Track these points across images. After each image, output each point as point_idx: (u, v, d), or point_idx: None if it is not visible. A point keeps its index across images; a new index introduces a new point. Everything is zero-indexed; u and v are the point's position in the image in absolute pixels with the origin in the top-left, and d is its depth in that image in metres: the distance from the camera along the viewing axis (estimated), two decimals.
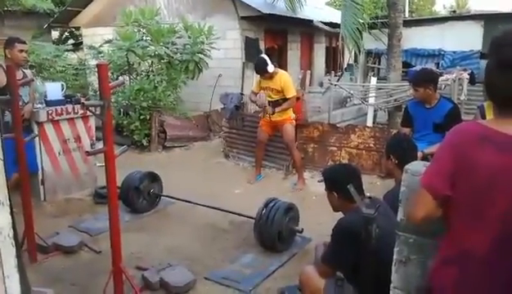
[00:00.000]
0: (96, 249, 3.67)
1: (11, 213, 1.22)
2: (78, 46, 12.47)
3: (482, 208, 1.28)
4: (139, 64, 7.50)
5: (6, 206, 1.20)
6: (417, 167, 1.57)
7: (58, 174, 4.83)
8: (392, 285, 1.65)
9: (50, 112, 4.61)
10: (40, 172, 4.64)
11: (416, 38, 9.07)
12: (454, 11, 15.26)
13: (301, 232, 3.71)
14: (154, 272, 3.17)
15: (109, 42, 8.31)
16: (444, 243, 1.39)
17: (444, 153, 1.36)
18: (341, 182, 2.28)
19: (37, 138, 4.52)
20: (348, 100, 9.22)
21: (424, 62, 9.07)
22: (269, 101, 5.38)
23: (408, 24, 8.95)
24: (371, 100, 7.50)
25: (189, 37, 7.72)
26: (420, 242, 1.54)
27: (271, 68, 5.20)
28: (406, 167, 1.59)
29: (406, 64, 8.68)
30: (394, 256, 1.62)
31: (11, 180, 4.08)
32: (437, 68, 8.30)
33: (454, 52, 8.86)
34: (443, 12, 24.49)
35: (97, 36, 10.48)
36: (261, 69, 5.24)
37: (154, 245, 3.82)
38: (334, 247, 2.27)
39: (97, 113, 2.58)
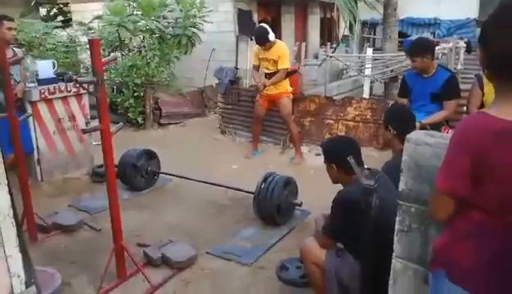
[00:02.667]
0: (96, 227, 3.68)
1: (10, 193, 1.20)
2: (67, 22, 12.19)
3: (508, 202, 1.24)
4: (130, 39, 7.34)
5: (4, 185, 1.19)
6: (418, 135, 1.55)
7: (54, 153, 4.79)
8: (394, 254, 1.66)
9: (42, 91, 4.54)
10: (36, 152, 4.61)
11: (412, 7, 8.94)
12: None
13: (300, 205, 3.72)
14: (155, 248, 3.20)
15: (99, 17, 8.11)
16: (462, 217, 1.34)
17: (456, 151, 1.28)
18: (340, 154, 2.27)
19: (31, 118, 4.46)
20: (344, 71, 9.14)
21: (420, 31, 8.99)
22: (266, 73, 5.31)
23: None
24: (367, 72, 7.44)
25: (180, 11, 7.54)
26: (422, 211, 1.54)
27: (272, 36, 5.10)
28: (408, 136, 1.57)
29: (402, 34, 8.59)
30: (396, 226, 1.63)
31: (7, 161, 4.06)
32: (434, 37, 8.22)
33: (450, 21, 8.75)
34: None
35: (87, 12, 10.21)
36: (262, 38, 5.12)
37: (154, 222, 3.83)
38: (335, 219, 2.28)
39: (91, 90, 2.52)
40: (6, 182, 1.18)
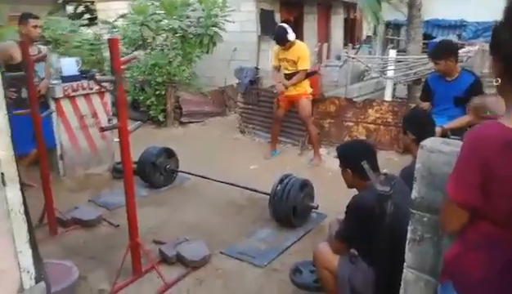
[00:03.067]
0: (115, 223, 3.74)
1: (22, 189, 1.23)
2: (93, 20, 12.44)
3: None
4: (153, 38, 7.44)
5: (16, 182, 1.21)
6: (433, 143, 1.51)
7: (76, 149, 4.89)
8: (405, 264, 1.62)
9: (66, 88, 4.64)
10: (58, 148, 4.71)
11: (437, 8, 8.74)
12: None
13: (316, 208, 3.70)
14: (170, 246, 3.22)
15: (123, 16, 8.24)
16: (473, 228, 1.30)
17: (468, 162, 1.25)
18: (355, 159, 2.24)
19: (54, 114, 4.57)
20: (366, 73, 9.02)
21: (445, 33, 8.78)
22: (285, 74, 5.29)
23: None
24: (390, 74, 7.31)
25: (203, 10, 7.59)
26: (435, 220, 1.50)
27: (292, 36, 5.07)
28: (422, 143, 1.53)
29: (426, 36, 8.41)
30: (408, 235, 1.59)
31: (30, 156, 4.18)
32: (459, 39, 8.01)
33: (477, 23, 8.52)
34: None
35: (112, 10, 10.41)
36: (281, 37, 5.09)
37: (171, 220, 3.87)
38: (348, 224, 2.25)
39: (110, 88, 2.56)
40: (18, 179, 1.21)
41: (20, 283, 1.24)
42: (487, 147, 1.20)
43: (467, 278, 1.30)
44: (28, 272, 1.26)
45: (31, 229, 1.26)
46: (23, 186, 1.25)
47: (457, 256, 1.34)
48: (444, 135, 3.35)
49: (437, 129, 3.45)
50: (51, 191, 3.51)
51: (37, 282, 1.29)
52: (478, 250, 1.28)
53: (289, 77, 5.25)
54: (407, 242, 1.61)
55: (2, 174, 1.18)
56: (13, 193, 1.21)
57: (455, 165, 1.28)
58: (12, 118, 3.83)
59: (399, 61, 7.21)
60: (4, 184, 1.19)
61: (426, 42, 7.91)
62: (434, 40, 7.90)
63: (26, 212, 1.24)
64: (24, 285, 1.25)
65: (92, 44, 9.03)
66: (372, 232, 2.10)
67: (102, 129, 2.71)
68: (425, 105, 3.90)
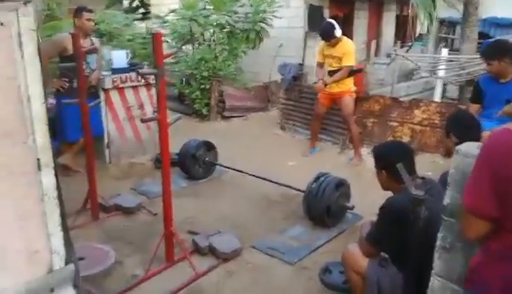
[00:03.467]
0: (153, 211, 3.87)
1: (56, 175, 1.30)
2: (146, 15, 12.84)
3: None
4: (201, 33, 7.57)
5: (51, 168, 1.28)
6: (469, 147, 1.44)
7: (122, 139, 5.08)
8: (433, 271, 1.56)
9: (115, 79, 4.82)
10: (106, 136, 4.92)
11: (497, 6, 8.23)
12: None
13: (352, 208, 3.63)
14: (203, 237, 3.29)
15: (173, 11, 8.44)
16: (496, 238, 1.27)
17: (482, 171, 1.22)
18: (391, 160, 2.18)
19: (103, 104, 4.78)
20: (415, 72, 8.69)
21: (504, 33, 8.25)
22: (329, 71, 5.22)
23: None
24: (441, 73, 7.00)
25: (251, 6, 7.63)
26: (460, 226, 1.43)
27: (338, 32, 4.98)
28: (458, 147, 1.47)
29: (483, 35, 7.96)
30: (438, 242, 1.53)
31: (80, 143, 4.41)
32: None
33: None
34: None
35: (165, 5, 10.68)
36: (327, 34, 5.02)
37: (207, 211, 3.95)
38: (380, 227, 2.20)
39: (152, 81, 2.65)
40: (53, 165, 1.28)
41: (50, 264, 1.32)
42: (499, 155, 1.17)
43: (488, 289, 1.26)
44: (58, 253, 1.34)
45: (63, 213, 1.34)
46: (57, 172, 1.32)
47: (480, 264, 1.31)
48: None
49: (486, 134, 3.28)
50: (95, 178, 3.68)
51: (66, 263, 1.36)
52: (500, 261, 1.24)
53: (333, 74, 5.16)
54: (436, 249, 1.55)
55: (38, 159, 1.26)
56: (47, 179, 1.28)
57: (471, 174, 1.24)
58: (65, 107, 4.07)
59: (451, 61, 6.88)
60: (40, 169, 1.26)
61: (482, 41, 7.48)
62: (491, 40, 7.46)
63: (59, 197, 1.32)
64: (54, 266, 1.33)
65: (144, 38, 9.33)
66: (404, 236, 2.04)
67: (142, 120, 2.81)
68: (475, 108, 3.72)
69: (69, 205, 3.33)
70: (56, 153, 4.42)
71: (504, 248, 1.24)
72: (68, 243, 1.35)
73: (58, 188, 1.31)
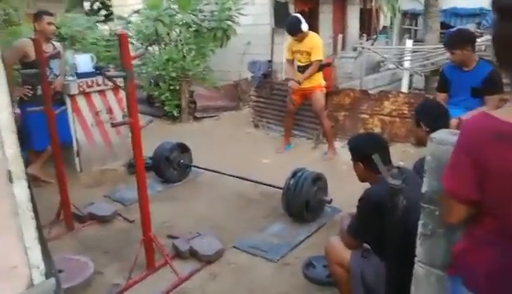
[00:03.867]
0: (129, 218, 3.78)
1: (29, 186, 1.24)
2: (109, 16, 12.55)
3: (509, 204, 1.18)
4: (167, 33, 7.46)
5: (24, 179, 1.22)
6: (443, 135, 1.47)
7: (92, 145, 4.94)
8: (416, 259, 1.59)
9: (81, 84, 4.68)
10: (75, 144, 4.77)
11: None
12: None
13: (330, 202, 3.66)
14: (184, 240, 3.25)
15: (137, 11, 8.28)
16: (477, 224, 1.29)
17: (460, 156, 1.25)
18: (366, 152, 2.21)
19: (70, 111, 4.63)
20: (382, 64, 8.87)
21: (464, 22, 8.55)
22: (299, 66, 5.25)
23: None
24: (406, 64, 7.18)
25: (216, 4, 7.57)
26: (440, 211, 1.46)
27: (305, 26, 5.00)
28: (432, 135, 1.50)
29: (445, 26, 8.21)
30: (419, 229, 1.56)
31: (48, 152, 4.25)
32: (479, 28, 7.79)
33: None
34: None
35: (127, 6, 10.45)
36: (294, 28, 5.04)
37: (185, 214, 3.90)
38: (360, 219, 2.22)
39: (120, 84, 2.58)
40: (26, 177, 1.22)
41: (29, 279, 1.26)
42: (478, 139, 1.19)
43: (474, 274, 1.28)
44: (37, 268, 1.28)
45: (39, 226, 1.28)
46: (31, 183, 1.26)
47: (464, 251, 1.33)
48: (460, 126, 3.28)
49: (454, 121, 3.37)
50: (66, 187, 3.57)
51: (47, 278, 1.30)
52: (484, 246, 1.27)
53: (302, 69, 5.20)
54: (418, 236, 1.58)
55: (9, 171, 1.19)
56: (20, 191, 1.22)
57: (450, 159, 1.27)
58: (29, 115, 3.92)
59: (415, 51, 7.06)
60: (11, 181, 1.20)
61: (444, 31, 7.71)
62: (452, 29, 7.71)
63: (34, 209, 1.26)
64: (34, 281, 1.27)
65: (107, 40, 9.11)
66: (384, 226, 2.07)
67: (113, 125, 2.73)
68: (442, 96, 3.82)
69: (41, 216, 3.21)
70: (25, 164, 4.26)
71: (486, 233, 1.26)
72: (47, 256, 1.29)
73: (32, 200, 1.26)
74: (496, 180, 1.17)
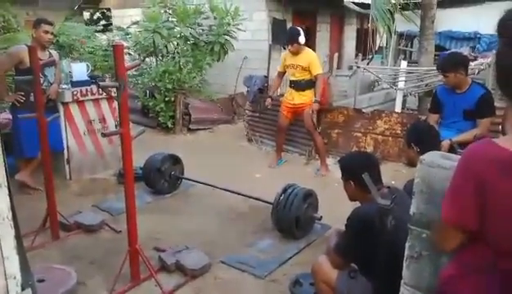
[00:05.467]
0: (116, 229, 3.73)
1: (10, 195, 1.21)
2: (108, 27, 12.60)
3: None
4: (165, 45, 7.49)
5: (5, 187, 1.20)
6: (433, 157, 1.47)
7: (83, 154, 4.92)
8: (402, 281, 1.57)
9: (75, 92, 4.68)
10: (66, 152, 4.74)
11: (451, 20, 8.65)
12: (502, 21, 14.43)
13: (320, 219, 3.64)
14: (170, 254, 3.20)
15: (136, 23, 8.34)
16: (468, 250, 1.27)
17: (464, 183, 1.21)
18: (357, 170, 2.20)
19: (63, 118, 4.61)
20: (376, 84, 8.95)
21: (459, 45, 8.67)
22: (291, 81, 5.29)
23: (443, 5, 8.53)
24: (401, 85, 7.24)
25: (215, 18, 7.64)
26: (433, 237, 1.45)
27: (302, 39, 5.08)
28: (421, 157, 1.50)
29: (440, 48, 8.32)
30: (406, 252, 1.55)
31: (38, 159, 4.21)
32: (473, 51, 7.91)
33: (491, 35, 8.40)
34: None
35: (127, 17, 10.55)
36: (292, 37, 5.12)
37: (173, 227, 3.85)
38: (348, 238, 2.20)
39: (113, 94, 2.57)
40: (6, 184, 1.20)
41: (5, 290, 1.23)
42: (482, 168, 1.16)
43: None
44: (14, 278, 1.24)
45: (19, 235, 1.25)
46: (11, 191, 1.23)
47: (452, 277, 1.30)
48: (452, 148, 3.29)
49: (445, 142, 3.39)
50: (54, 195, 3.52)
51: (23, 289, 1.27)
52: (473, 275, 1.24)
53: (294, 84, 5.24)
54: (405, 258, 1.57)
55: None
56: (1, 199, 1.19)
57: (450, 185, 1.24)
58: (22, 122, 3.89)
59: (410, 72, 7.14)
60: None
61: (438, 53, 7.81)
62: (447, 52, 7.82)
63: (14, 218, 1.23)
64: (10, 292, 1.23)
65: (105, 50, 9.13)
66: (371, 246, 2.05)
67: (104, 135, 2.71)
68: (435, 117, 3.84)
69: (27, 224, 3.19)
70: (13, 170, 4.22)
71: (477, 261, 1.24)
72: (25, 267, 1.26)
73: (12, 208, 1.23)
74: (499, 211, 1.15)
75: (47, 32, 4.24)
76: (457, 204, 1.22)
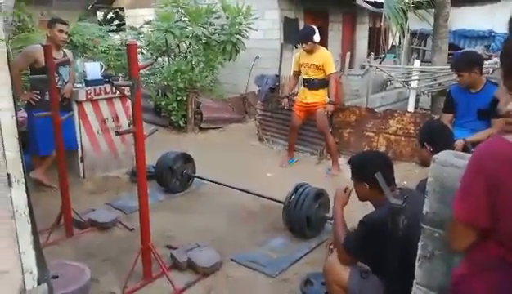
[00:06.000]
0: (130, 226, 3.77)
1: (27, 191, 1.24)
2: (121, 26, 12.72)
3: None
4: (177, 45, 7.54)
5: (22, 184, 1.23)
6: (446, 156, 1.46)
7: (97, 152, 4.97)
8: (415, 281, 1.56)
9: (89, 91, 4.73)
10: (80, 150, 4.80)
11: (466, 19, 8.54)
12: None
13: (331, 219, 3.62)
14: (182, 251, 3.22)
15: (148, 22, 8.40)
16: (480, 249, 1.26)
17: (476, 181, 1.20)
18: (369, 170, 2.18)
19: (77, 117, 4.67)
20: (389, 83, 8.88)
21: (473, 44, 8.55)
22: (304, 79, 5.27)
23: (457, 3, 8.44)
24: (413, 84, 7.18)
25: (227, 18, 7.66)
26: (447, 237, 1.44)
27: (317, 37, 5.06)
28: (435, 156, 1.49)
29: (453, 47, 8.22)
30: (418, 251, 1.54)
31: (52, 157, 4.28)
32: (487, 50, 7.79)
33: (505, 34, 8.27)
34: None
35: (139, 17, 10.63)
36: (306, 35, 5.10)
37: (185, 225, 3.88)
38: (358, 240, 2.19)
39: (127, 93, 2.60)
40: (24, 181, 1.23)
41: (22, 284, 1.26)
42: (493, 165, 1.15)
43: None
44: (30, 273, 1.27)
45: (35, 231, 1.28)
46: (29, 187, 1.26)
47: (464, 276, 1.30)
48: (465, 148, 3.25)
49: (459, 142, 3.36)
50: (68, 193, 3.57)
51: (39, 283, 1.30)
52: (485, 273, 1.24)
53: (308, 83, 5.22)
54: (417, 258, 1.56)
55: (9, 175, 1.20)
56: (18, 195, 1.22)
57: (461, 183, 1.23)
58: (37, 120, 3.95)
59: (423, 71, 7.07)
60: (10, 185, 1.21)
61: (452, 52, 7.72)
62: (459, 51, 7.72)
63: (31, 213, 1.26)
64: (27, 286, 1.27)
65: (118, 49, 9.22)
66: (383, 247, 2.04)
67: (117, 133, 2.74)
68: (448, 117, 3.80)
69: (42, 221, 3.23)
70: (28, 168, 4.29)
71: (488, 258, 1.23)
72: (41, 262, 1.29)
73: (29, 204, 1.26)
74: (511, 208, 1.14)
75: (61, 31, 4.30)
76: (468, 202, 1.21)
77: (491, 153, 1.18)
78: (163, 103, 7.24)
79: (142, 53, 7.88)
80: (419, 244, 1.54)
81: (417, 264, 1.55)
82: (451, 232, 1.32)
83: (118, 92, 4.95)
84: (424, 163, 3.03)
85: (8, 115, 1.20)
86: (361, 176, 2.30)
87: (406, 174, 4.88)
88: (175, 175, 4.60)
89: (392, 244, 2.02)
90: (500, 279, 1.21)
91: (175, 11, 7.76)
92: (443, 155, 1.48)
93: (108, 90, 4.89)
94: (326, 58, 5.13)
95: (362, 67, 11.13)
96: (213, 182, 4.53)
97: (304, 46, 5.13)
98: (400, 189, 2.24)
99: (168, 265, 3.05)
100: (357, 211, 2.63)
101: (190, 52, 7.62)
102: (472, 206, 1.20)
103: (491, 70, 5.87)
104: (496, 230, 1.18)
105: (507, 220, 1.15)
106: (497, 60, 6.06)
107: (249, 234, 3.69)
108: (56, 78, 4.03)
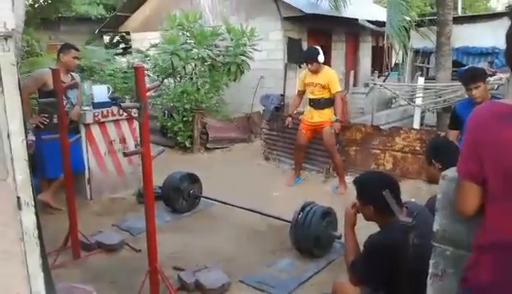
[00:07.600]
0: (137, 248, 3.75)
1: (36, 213, 1.25)
2: (127, 50, 12.95)
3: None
4: (183, 67, 7.64)
5: (31, 206, 1.24)
6: (454, 173, 1.45)
7: (104, 174, 5.00)
8: None
9: (96, 114, 4.79)
10: (87, 172, 4.83)
11: (468, 36, 8.60)
12: (509, 7, 14.32)
13: (339, 238, 3.58)
14: (190, 273, 3.20)
15: (155, 45, 8.54)
16: (479, 233, 1.34)
17: (466, 138, 1.36)
18: (375, 190, 2.13)
19: (84, 139, 4.71)
20: (394, 100, 8.90)
21: (476, 61, 8.58)
22: (310, 99, 5.30)
23: (459, 20, 8.53)
24: (418, 101, 7.19)
25: (231, 40, 7.78)
26: (458, 254, 1.43)
27: (322, 58, 5.12)
28: (443, 173, 1.48)
29: (457, 64, 8.25)
30: (430, 269, 1.52)
31: (60, 180, 4.30)
32: (491, 67, 7.81)
33: None
34: (498, 8, 23.07)
35: (145, 40, 10.82)
36: (311, 56, 5.16)
37: (193, 245, 3.85)
38: (366, 263, 2.16)
39: (134, 115, 2.62)
40: (33, 203, 1.23)
41: None
42: (480, 120, 1.30)
43: (479, 283, 1.31)
44: None
45: (44, 253, 1.28)
46: (38, 211, 1.27)
47: (472, 261, 1.36)
48: None
49: None
50: (75, 215, 3.58)
51: None
52: (486, 253, 1.30)
53: (313, 102, 5.25)
54: (428, 276, 1.54)
55: (18, 198, 1.21)
56: (28, 217, 1.23)
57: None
58: (45, 143, 3.99)
59: (427, 89, 7.09)
60: (20, 208, 1.21)
61: (456, 69, 7.75)
62: (464, 67, 7.74)
63: (40, 236, 1.26)
64: None
65: (125, 72, 9.37)
66: (392, 268, 2.01)
67: (125, 154, 2.76)
68: (454, 133, 3.79)
69: (49, 243, 3.22)
70: (36, 190, 4.30)
71: (484, 242, 1.30)
72: (49, 285, 1.28)
73: (39, 227, 1.26)
74: (496, 158, 1.25)
75: (75, 57, 4.40)
76: (463, 156, 1.37)
77: (480, 112, 1.33)
78: (169, 124, 7.30)
79: (149, 75, 8.00)
80: (431, 262, 1.52)
81: (429, 282, 1.53)
82: (458, 193, 1.39)
83: (124, 114, 5.01)
84: (432, 180, 3.00)
85: (19, 139, 1.21)
86: (366, 198, 2.27)
87: (414, 191, 4.85)
88: (182, 196, 4.60)
89: (402, 263, 2.00)
90: (501, 259, 1.27)
91: (180, 33, 7.90)
92: (452, 172, 1.48)
93: (115, 112, 4.94)
94: (331, 77, 5.17)
95: (366, 85, 11.19)
96: (219, 202, 4.52)
97: (309, 66, 5.18)
98: (407, 207, 2.21)
99: (175, 287, 3.02)
100: (366, 230, 2.59)
101: (195, 74, 7.73)
102: (464, 158, 1.36)
103: (496, 86, 5.88)
104: (488, 178, 1.28)
105: (489, 169, 1.27)
106: (501, 75, 6.09)
107: (256, 254, 3.66)
108: (64, 101, 4.08)
